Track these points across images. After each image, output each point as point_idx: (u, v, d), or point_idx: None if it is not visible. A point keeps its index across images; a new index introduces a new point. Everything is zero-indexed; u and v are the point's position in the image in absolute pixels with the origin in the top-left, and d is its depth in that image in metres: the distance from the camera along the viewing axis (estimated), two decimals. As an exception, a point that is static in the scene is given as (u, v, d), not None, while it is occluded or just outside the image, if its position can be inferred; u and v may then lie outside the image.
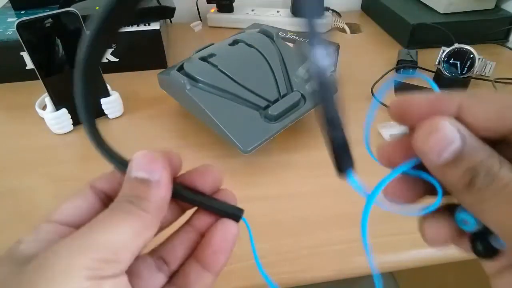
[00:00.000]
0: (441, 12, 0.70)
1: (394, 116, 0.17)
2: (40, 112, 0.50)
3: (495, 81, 0.56)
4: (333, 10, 0.83)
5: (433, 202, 0.16)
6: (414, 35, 0.68)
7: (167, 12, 0.64)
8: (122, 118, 0.52)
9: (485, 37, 0.70)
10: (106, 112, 0.51)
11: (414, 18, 0.69)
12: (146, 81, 0.59)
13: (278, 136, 0.42)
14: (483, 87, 0.58)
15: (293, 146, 0.46)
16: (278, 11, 0.80)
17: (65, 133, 0.49)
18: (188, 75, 0.44)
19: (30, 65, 0.58)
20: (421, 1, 0.76)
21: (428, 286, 0.97)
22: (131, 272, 0.16)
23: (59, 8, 0.60)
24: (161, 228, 0.19)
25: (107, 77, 0.50)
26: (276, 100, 0.44)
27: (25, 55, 0.57)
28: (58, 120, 0.47)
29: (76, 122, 0.49)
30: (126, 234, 0.15)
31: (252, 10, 0.81)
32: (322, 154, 0.45)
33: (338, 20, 0.80)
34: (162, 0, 0.64)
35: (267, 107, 0.43)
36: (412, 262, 0.33)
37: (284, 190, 0.40)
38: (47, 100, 0.48)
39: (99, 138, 0.17)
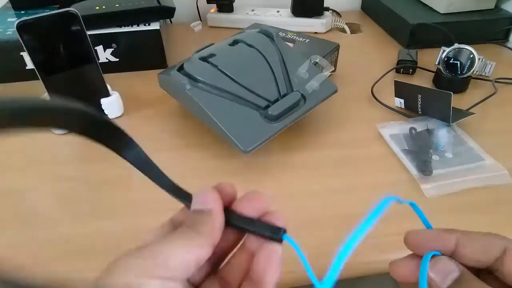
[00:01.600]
0: (441, 12, 0.70)
1: (409, 247, 0.22)
2: (40, 112, 0.50)
3: (495, 81, 0.56)
4: (333, 10, 0.83)
5: None
6: (414, 35, 0.68)
7: (167, 12, 0.64)
8: (122, 118, 0.52)
9: (485, 37, 0.70)
10: (106, 112, 0.51)
11: (414, 18, 0.69)
12: (146, 81, 0.59)
13: (278, 136, 0.42)
14: (483, 87, 0.58)
15: (293, 146, 0.46)
16: (278, 11, 0.80)
17: (65, 133, 0.49)
18: (188, 75, 0.44)
19: (30, 65, 0.58)
20: (421, 1, 0.76)
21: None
22: None
23: (59, 8, 0.60)
24: (227, 252, 0.22)
25: (107, 77, 0.50)
26: (276, 100, 0.44)
27: (25, 55, 0.57)
28: (58, 120, 0.47)
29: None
30: (180, 249, 0.18)
31: (252, 10, 0.81)
32: (322, 154, 0.45)
33: (338, 20, 0.80)
34: (162, 0, 0.64)
35: (267, 107, 0.43)
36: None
37: (284, 190, 0.40)
38: (47, 100, 0.48)
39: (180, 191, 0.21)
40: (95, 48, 0.59)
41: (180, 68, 0.45)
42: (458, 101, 0.52)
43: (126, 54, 0.61)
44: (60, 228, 0.36)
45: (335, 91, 0.48)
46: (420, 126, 0.48)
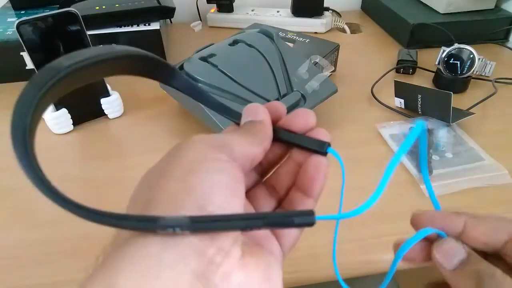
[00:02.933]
0: (441, 12, 0.70)
1: (415, 227, 0.22)
2: (40, 112, 0.50)
3: (495, 81, 0.56)
4: (333, 10, 0.83)
5: None
6: (414, 35, 0.68)
7: (167, 12, 0.64)
8: (122, 118, 0.52)
9: (485, 37, 0.70)
10: (106, 112, 0.51)
11: (414, 18, 0.69)
12: (146, 81, 0.58)
13: (278, 136, 0.42)
14: (483, 87, 0.58)
15: (293, 146, 0.46)
16: (278, 11, 0.80)
17: (65, 133, 0.49)
18: (188, 75, 0.44)
19: (30, 65, 0.58)
20: (421, 1, 0.76)
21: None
22: (251, 196, 0.22)
23: (59, 8, 0.60)
24: (273, 164, 0.24)
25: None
26: (276, 100, 0.44)
27: (25, 55, 0.57)
28: (58, 120, 0.47)
29: (76, 122, 0.49)
30: (243, 141, 0.19)
31: (252, 10, 0.81)
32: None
33: (338, 20, 0.80)
34: (162, 0, 0.64)
35: (267, 107, 0.43)
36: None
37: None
38: (47, 100, 0.48)
39: None
40: (95, 48, 0.59)
41: (180, 68, 0.45)
42: (458, 101, 0.52)
43: (126, 54, 0.61)
44: (60, 228, 0.36)
45: (335, 91, 0.48)
46: (420, 126, 0.48)
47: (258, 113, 0.22)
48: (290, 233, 0.21)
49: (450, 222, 0.21)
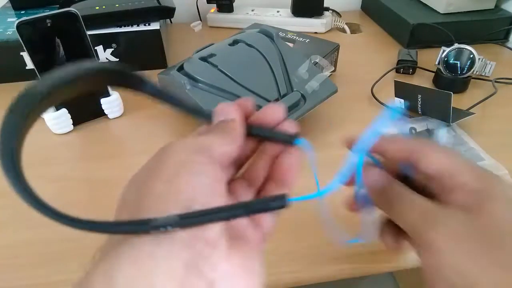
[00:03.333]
0: (441, 12, 0.70)
1: (376, 152, 0.27)
2: (40, 112, 0.50)
3: (495, 81, 0.56)
4: (333, 10, 0.83)
5: None
6: (414, 35, 0.68)
7: (167, 12, 0.64)
8: (122, 118, 0.52)
9: (485, 37, 0.70)
10: (106, 112, 0.51)
11: (414, 18, 0.69)
12: (146, 81, 0.59)
13: (278, 136, 0.42)
14: (483, 87, 0.58)
15: (293, 146, 0.46)
16: (278, 11, 0.80)
17: (65, 133, 0.49)
18: (188, 75, 0.44)
19: (30, 65, 0.58)
20: (421, 1, 0.76)
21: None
22: (231, 189, 0.23)
23: (59, 8, 0.60)
24: (247, 157, 0.25)
25: (107, 77, 0.50)
26: (276, 100, 0.44)
27: (25, 55, 0.57)
28: (58, 120, 0.47)
29: (76, 122, 0.49)
30: (219, 141, 0.21)
31: (252, 10, 0.81)
32: (321, 154, 0.45)
33: (338, 20, 0.80)
34: (162, 0, 0.64)
35: (267, 107, 0.43)
36: (412, 262, 0.33)
37: (283, 190, 0.40)
38: (47, 100, 0.48)
39: None
40: (95, 48, 0.59)
41: (180, 68, 0.45)
42: (458, 101, 0.52)
43: (126, 54, 0.61)
44: (60, 228, 0.36)
45: (335, 91, 0.48)
46: (420, 126, 0.48)
47: (229, 112, 0.23)
48: (266, 221, 0.22)
49: (404, 145, 0.25)
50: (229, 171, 0.24)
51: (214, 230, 0.17)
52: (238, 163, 0.25)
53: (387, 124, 0.23)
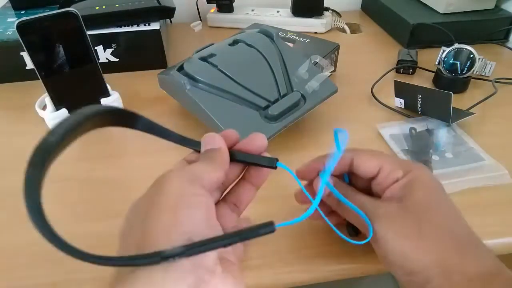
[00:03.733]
0: (441, 12, 0.70)
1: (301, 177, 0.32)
2: (40, 112, 0.50)
3: (495, 81, 0.56)
4: (333, 10, 0.83)
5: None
6: (414, 35, 0.68)
7: (167, 12, 0.64)
8: (122, 118, 0.52)
9: (485, 37, 0.70)
10: (106, 112, 0.51)
11: (414, 18, 0.69)
12: (146, 81, 0.59)
13: (278, 136, 0.42)
14: (483, 87, 0.58)
15: (293, 146, 0.46)
16: (278, 11, 0.80)
17: (65, 133, 0.49)
18: (188, 75, 0.44)
19: (30, 65, 0.58)
20: (421, 1, 0.76)
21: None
22: (218, 215, 0.25)
23: (59, 8, 0.60)
24: (232, 182, 0.28)
25: (107, 77, 0.50)
26: (276, 100, 0.44)
27: (25, 55, 0.57)
28: (58, 120, 0.47)
29: (76, 122, 0.49)
30: (208, 169, 0.24)
31: (252, 10, 0.81)
32: (322, 154, 0.45)
33: (338, 20, 0.80)
34: (162, 0, 0.64)
35: (267, 107, 0.43)
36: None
37: (284, 190, 0.40)
38: (47, 100, 0.48)
39: None
40: (95, 48, 0.59)
41: (180, 68, 0.45)
42: (458, 101, 0.52)
43: (126, 54, 0.61)
44: (60, 228, 0.36)
45: (335, 91, 0.48)
46: (420, 126, 0.48)
47: (215, 141, 0.26)
48: (239, 246, 0.27)
49: (342, 158, 0.28)
50: (215, 195, 0.27)
51: (212, 257, 0.21)
52: (222, 188, 0.28)
53: (342, 147, 0.27)
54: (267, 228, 0.21)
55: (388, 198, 0.28)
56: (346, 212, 0.29)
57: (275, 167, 0.27)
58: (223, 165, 0.25)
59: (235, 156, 0.27)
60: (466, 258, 0.24)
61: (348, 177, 0.32)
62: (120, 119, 0.24)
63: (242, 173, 0.29)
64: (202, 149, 0.26)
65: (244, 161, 0.27)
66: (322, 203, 0.32)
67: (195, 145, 0.27)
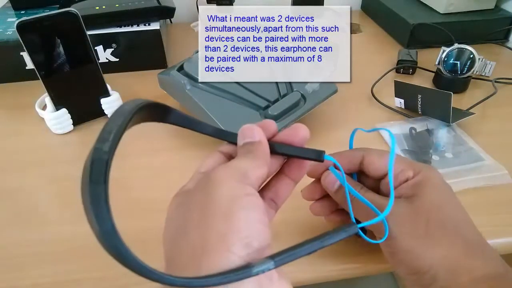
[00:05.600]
0: (441, 12, 0.70)
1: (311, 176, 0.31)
2: (40, 112, 0.50)
3: (495, 81, 0.56)
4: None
5: None
6: (414, 35, 0.68)
7: (167, 12, 0.64)
8: (122, 118, 0.52)
9: (485, 37, 0.70)
10: (106, 112, 0.51)
11: (414, 18, 0.69)
12: (146, 81, 0.59)
13: (278, 136, 0.42)
14: (483, 87, 0.58)
15: (293, 146, 0.46)
16: (278, 11, 0.80)
17: (65, 133, 0.49)
18: (188, 75, 0.44)
19: (30, 65, 0.58)
20: (421, 1, 0.76)
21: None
22: None
23: (59, 8, 0.60)
24: (269, 176, 0.27)
25: (107, 77, 0.50)
26: (276, 100, 0.44)
27: (25, 55, 0.57)
28: (58, 120, 0.47)
29: (76, 122, 0.49)
30: (252, 165, 0.22)
31: (252, 10, 0.81)
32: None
33: (338, 20, 0.80)
34: (162, 0, 0.64)
35: (267, 107, 0.43)
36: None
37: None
38: (47, 100, 0.48)
39: None
40: (95, 48, 0.59)
41: (180, 68, 0.45)
42: (458, 101, 0.52)
43: (126, 54, 0.61)
44: (60, 228, 0.36)
45: (335, 91, 0.48)
46: (420, 126, 0.48)
47: (253, 133, 0.24)
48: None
49: (352, 156, 0.30)
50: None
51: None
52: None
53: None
54: (349, 230, 0.21)
55: (398, 197, 0.27)
56: (355, 209, 0.28)
57: (322, 160, 0.24)
58: (266, 160, 0.23)
59: (275, 148, 0.25)
60: (473, 260, 0.24)
61: (357, 177, 0.32)
62: (155, 114, 0.22)
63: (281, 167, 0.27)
64: (240, 142, 0.24)
65: (286, 153, 0.25)
66: (326, 201, 0.32)
67: (231, 138, 0.25)
